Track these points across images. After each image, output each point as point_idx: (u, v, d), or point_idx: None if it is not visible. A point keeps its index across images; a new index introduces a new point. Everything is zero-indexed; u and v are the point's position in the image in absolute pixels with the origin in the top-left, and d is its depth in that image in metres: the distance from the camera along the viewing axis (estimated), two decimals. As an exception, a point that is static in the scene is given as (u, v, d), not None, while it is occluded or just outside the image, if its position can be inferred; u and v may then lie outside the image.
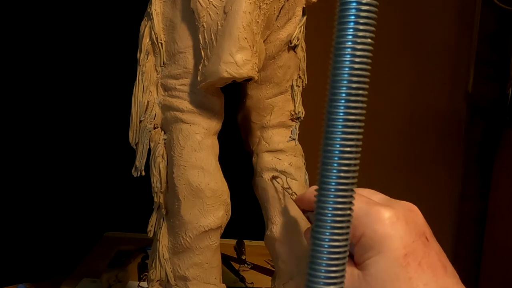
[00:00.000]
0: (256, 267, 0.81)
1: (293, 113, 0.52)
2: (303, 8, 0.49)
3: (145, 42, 0.47)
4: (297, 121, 0.52)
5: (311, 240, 0.17)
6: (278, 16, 0.46)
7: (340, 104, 0.16)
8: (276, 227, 0.49)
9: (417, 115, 1.35)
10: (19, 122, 0.97)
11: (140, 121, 0.47)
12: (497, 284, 1.33)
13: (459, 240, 1.44)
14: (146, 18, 0.47)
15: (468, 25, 1.31)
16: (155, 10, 0.46)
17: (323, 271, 0.16)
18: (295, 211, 0.48)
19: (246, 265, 0.82)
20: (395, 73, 1.26)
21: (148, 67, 0.47)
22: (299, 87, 0.52)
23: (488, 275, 1.39)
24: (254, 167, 0.52)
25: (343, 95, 0.16)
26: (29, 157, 0.98)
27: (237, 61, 0.40)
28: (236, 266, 0.81)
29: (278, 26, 0.47)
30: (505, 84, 1.33)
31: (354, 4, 0.15)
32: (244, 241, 0.90)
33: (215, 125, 0.47)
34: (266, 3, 0.43)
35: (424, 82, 1.33)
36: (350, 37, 0.15)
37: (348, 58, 0.15)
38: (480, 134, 1.38)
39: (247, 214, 0.66)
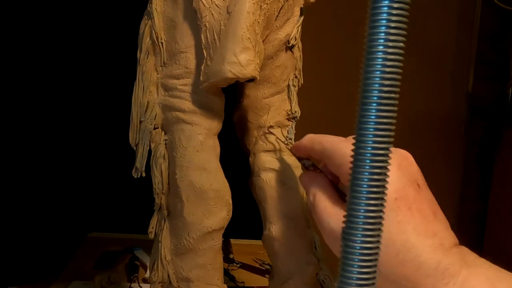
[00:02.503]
0: (244, 266, 0.81)
1: (289, 112, 0.52)
2: (301, 8, 0.49)
3: (146, 41, 0.46)
4: (293, 120, 0.52)
5: (342, 242, 0.17)
6: (277, 16, 0.46)
7: (372, 107, 0.16)
8: (274, 226, 0.49)
9: (417, 115, 1.35)
10: (6, 121, 0.96)
11: (141, 122, 0.47)
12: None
13: (459, 240, 1.44)
14: (146, 17, 0.47)
15: (468, 25, 1.31)
16: (156, 9, 0.46)
17: (355, 272, 0.16)
18: (294, 210, 0.48)
19: (234, 264, 0.81)
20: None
21: (148, 67, 0.47)
22: (295, 86, 0.52)
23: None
24: (251, 167, 0.52)
25: (375, 98, 0.16)
26: (13, 158, 0.97)
27: (241, 62, 0.40)
28: (225, 265, 0.81)
29: (277, 26, 0.47)
30: (505, 84, 1.33)
31: (386, 8, 0.15)
32: (230, 239, 0.89)
33: (216, 125, 0.47)
34: (267, 3, 0.43)
35: (424, 82, 1.33)
36: (382, 41, 0.15)
37: (379, 62, 0.15)
38: (480, 134, 1.39)
39: (233, 213, 0.66)
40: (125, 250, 0.82)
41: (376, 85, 0.15)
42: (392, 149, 0.36)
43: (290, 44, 0.49)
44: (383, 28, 0.15)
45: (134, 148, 0.47)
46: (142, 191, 1.01)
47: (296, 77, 0.52)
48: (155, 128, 0.47)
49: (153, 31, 0.46)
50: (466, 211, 1.43)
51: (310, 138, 0.41)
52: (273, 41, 0.47)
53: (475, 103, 1.37)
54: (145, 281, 0.72)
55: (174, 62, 0.46)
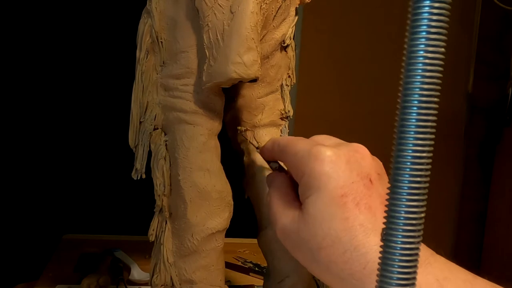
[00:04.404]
0: (227, 265, 0.80)
1: (283, 112, 0.52)
2: (295, 8, 0.49)
3: (145, 40, 0.46)
4: (287, 120, 0.52)
5: (382, 242, 0.17)
6: (275, 16, 0.46)
7: (412, 111, 0.16)
8: (271, 226, 0.48)
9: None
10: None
11: (140, 122, 0.46)
12: (497, 283, 1.34)
13: (459, 240, 1.45)
14: (145, 16, 0.46)
15: (468, 25, 1.32)
16: (156, 7, 0.45)
17: (395, 272, 0.17)
18: None
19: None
20: (395, 73, 1.26)
21: (148, 66, 0.46)
22: (288, 86, 0.52)
23: (488, 275, 1.40)
24: (246, 167, 0.52)
25: (415, 102, 0.16)
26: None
27: (245, 62, 0.40)
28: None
29: (273, 26, 0.47)
30: (505, 84, 1.34)
31: (426, 14, 0.15)
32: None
33: (217, 125, 0.47)
34: (266, 3, 0.43)
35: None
36: (423, 46, 0.16)
37: (420, 66, 0.15)
38: (480, 134, 1.39)
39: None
40: (104, 252, 0.81)
41: (417, 89, 0.15)
42: (346, 144, 0.36)
43: (285, 44, 0.49)
44: (424, 33, 0.15)
45: (134, 149, 0.47)
46: (118, 192, 1.01)
47: (289, 76, 0.52)
48: (155, 129, 0.47)
49: (153, 30, 0.45)
50: (466, 211, 1.44)
51: (271, 140, 0.42)
52: (270, 41, 0.47)
53: (475, 103, 1.38)
54: (129, 283, 0.72)
55: (175, 62, 0.45)
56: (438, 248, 0.34)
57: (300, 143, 0.36)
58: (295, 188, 0.38)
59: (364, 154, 0.35)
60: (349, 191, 0.32)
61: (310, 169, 0.33)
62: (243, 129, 0.51)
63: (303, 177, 0.34)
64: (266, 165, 0.49)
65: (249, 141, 0.50)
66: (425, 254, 0.32)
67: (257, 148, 0.49)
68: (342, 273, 0.32)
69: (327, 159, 0.33)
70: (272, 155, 0.42)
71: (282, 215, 0.36)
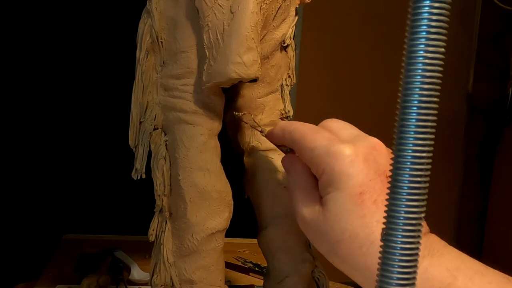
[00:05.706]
0: (227, 265, 0.80)
1: (283, 112, 0.52)
2: (295, 8, 0.49)
3: (145, 40, 0.46)
4: (287, 119, 0.52)
5: (382, 242, 0.17)
6: (275, 16, 0.46)
7: (412, 111, 0.16)
8: (270, 226, 0.49)
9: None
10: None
11: (140, 122, 0.46)
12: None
13: (459, 240, 1.45)
14: (145, 16, 0.46)
15: (468, 26, 1.32)
16: (156, 7, 0.46)
17: (395, 272, 0.17)
18: (289, 210, 0.48)
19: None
20: (395, 73, 1.26)
21: (148, 66, 0.46)
22: (288, 86, 0.52)
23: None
24: (246, 167, 0.52)
25: (415, 102, 0.16)
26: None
27: (245, 62, 0.40)
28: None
29: (273, 26, 0.47)
30: (505, 84, 1.34)
31: (426, 14, 0.16)
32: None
33: (217, 125, 0.47)
34: (266, 3, 0.43)
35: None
36: (423, 46, 0.16)
37: (420, 66, 0.15)
38: (480, 134, 1.39)
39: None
40: (104, 252, 0.81)
41: (417, 89, 0.16)
42: (364, 138, 0.37)
43: (285, 44, 0.49)
44: (424, 33, 0.15)
45: (134, 149, 0.47)
46: (118, 192, 1.00)
47: (289, 76, 0.52)
48: (155, 129, 0.47)
49: (153, 30, 0.45)
50: (466, 211, 1.44)
51: (281, 127, 0.42)
52: (270, 41, 0.47)
53: (475, 103, 1.38)
54: (129, 283, 0.72)
55: (175, 62, 0.45)
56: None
57: (317, 138, 0.37)
58: (313, 175, 0.38)
59: (381, 151, 0.35)
60: (366, 189, 0.33)
61: (330, 168, 0.34)
62: (240, 114, 0.50)
63: (322, 174, 0.35)
64: (266, 165, 0.49)
65: (250, 125, 0.50)
66: (438, 245, 0.33)
67: (261, 131, 0.48)
68: (358, 265, 0.33)
69: (346, 159, 0.34)
70: (281, 142, 0.42)
71: (303, 206, 0.38)
